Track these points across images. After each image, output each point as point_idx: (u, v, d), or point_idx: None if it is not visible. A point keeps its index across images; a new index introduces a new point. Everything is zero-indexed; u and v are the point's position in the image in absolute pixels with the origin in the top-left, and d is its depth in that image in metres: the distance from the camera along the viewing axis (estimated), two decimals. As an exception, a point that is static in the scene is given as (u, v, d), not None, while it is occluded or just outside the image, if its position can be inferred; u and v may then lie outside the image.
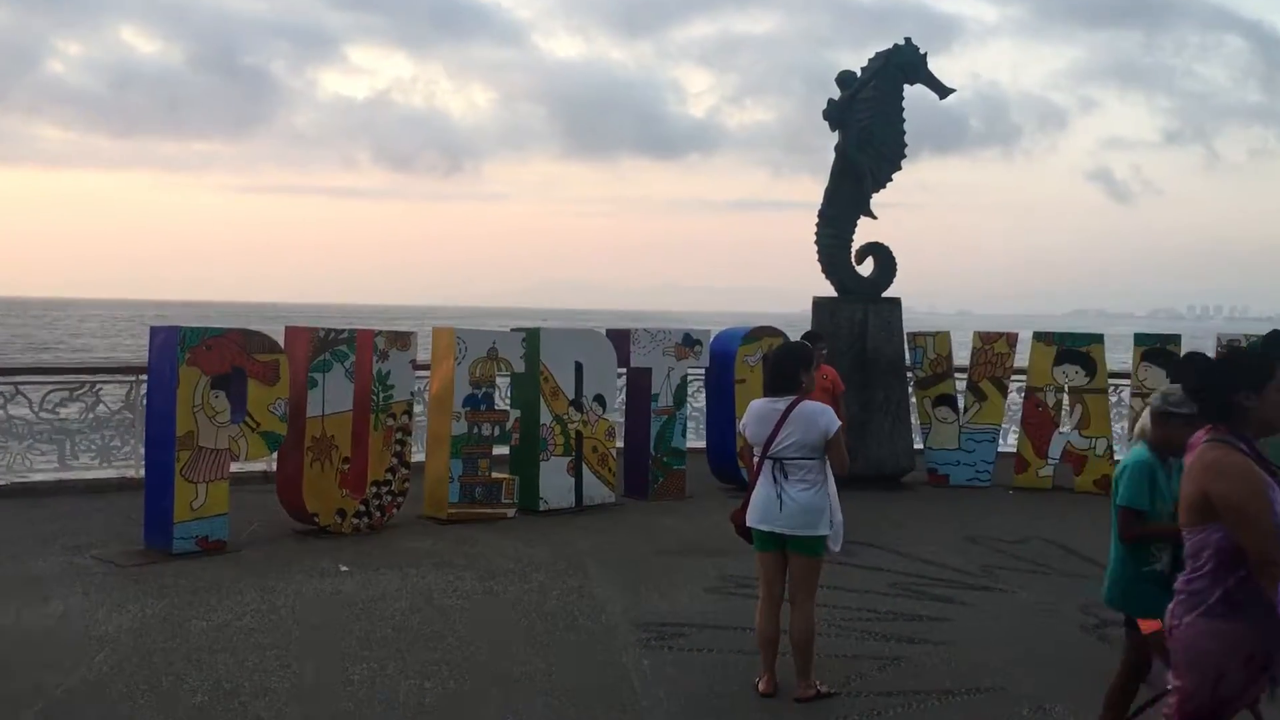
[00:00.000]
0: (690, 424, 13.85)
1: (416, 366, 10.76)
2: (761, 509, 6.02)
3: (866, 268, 13.74)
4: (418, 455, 11.58)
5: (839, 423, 6.00)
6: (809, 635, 6.01)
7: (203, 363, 8.92)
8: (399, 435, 10.22)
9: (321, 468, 9.68)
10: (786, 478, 5.92)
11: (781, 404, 6.02)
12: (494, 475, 10.74)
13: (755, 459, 6.11)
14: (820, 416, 5.94)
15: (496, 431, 10.77)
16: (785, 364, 6.17)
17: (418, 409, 11.68)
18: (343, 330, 10.04)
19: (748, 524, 6.11)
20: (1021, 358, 13.64)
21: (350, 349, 9.90)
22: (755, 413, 6.13)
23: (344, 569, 8.52)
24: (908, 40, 13.49)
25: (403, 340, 10.34)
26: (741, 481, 12.50)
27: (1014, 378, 13.76)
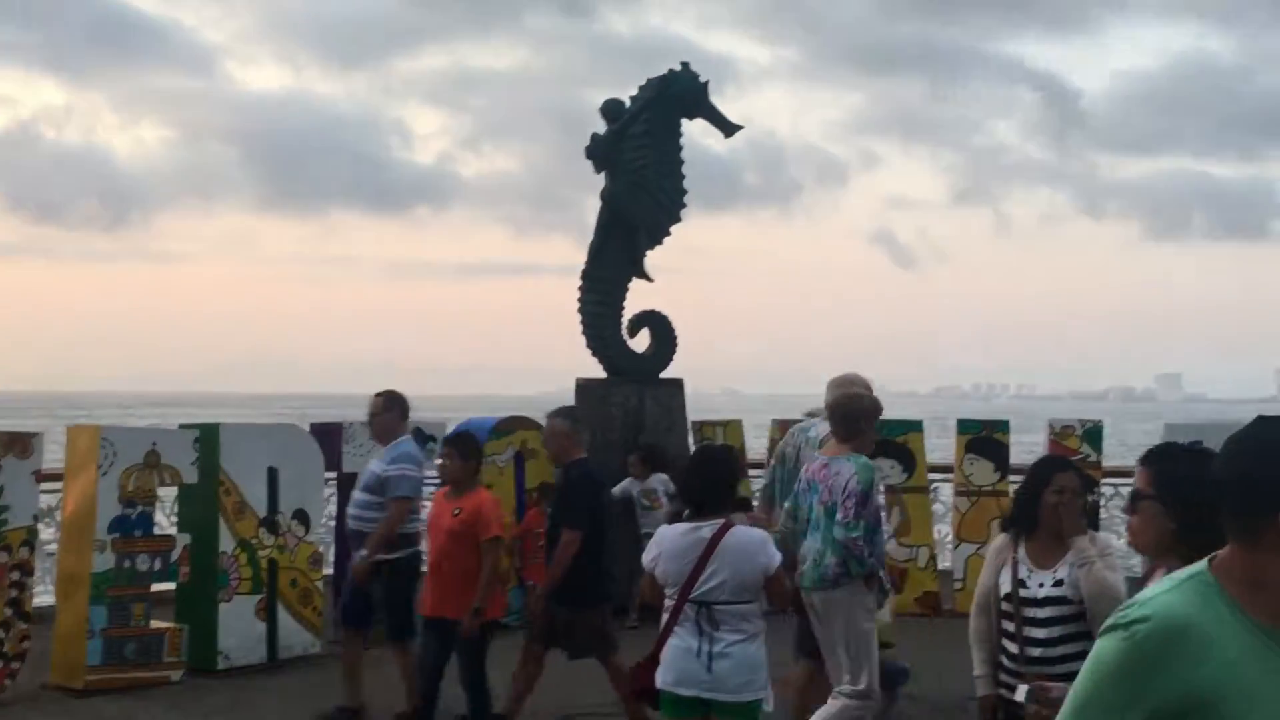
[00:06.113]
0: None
1: (43, 478, 10.07)
2: (678, 668, 5.68)
3: (641, 342, 13.58)
4: (44, 599, 10.92)
5: (779, 555, 5.83)
6: None
7: None
8: (16, 575, 9.55)
9: (-102, 625, 8.86)
10: (717, 628, 5.62)
11: (707, 530, 5.67)
12: (153, 624, 10.03)
13: (669, 603, 5.76)
14: (760, 549, 5.72)
15: (157, 565, 10.11)
16: (713, 474, 5.94)
17: (45, 536, 11.01)
18: (-66, 431, 9.34)
19: (659, 685, 5.76)
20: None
21: (-55, 456, 9.19)
22: (669, 544, 5.76)
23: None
24: (685, 65, 13.50)
25: (23, 443, 9.70)
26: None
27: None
